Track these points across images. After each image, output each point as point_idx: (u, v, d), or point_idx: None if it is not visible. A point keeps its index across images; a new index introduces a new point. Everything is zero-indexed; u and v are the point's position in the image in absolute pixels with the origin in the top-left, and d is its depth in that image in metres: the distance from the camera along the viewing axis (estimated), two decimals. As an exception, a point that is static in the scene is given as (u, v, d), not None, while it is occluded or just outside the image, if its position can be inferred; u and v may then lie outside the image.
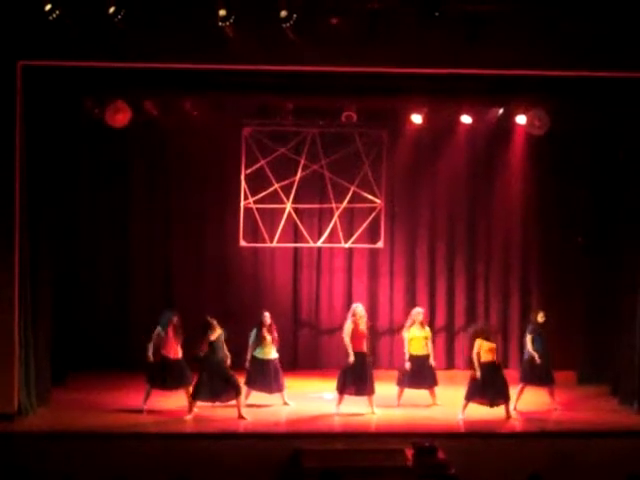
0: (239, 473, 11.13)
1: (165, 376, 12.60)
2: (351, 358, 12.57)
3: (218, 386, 12.31)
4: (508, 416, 12.44)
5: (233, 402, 12.37)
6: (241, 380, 12.66)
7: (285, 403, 13.06)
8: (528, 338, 13.09)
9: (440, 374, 13.67)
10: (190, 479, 10.53)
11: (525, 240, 15.80)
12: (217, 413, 12.37)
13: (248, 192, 14.95)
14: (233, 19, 11.24)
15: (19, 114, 12.03)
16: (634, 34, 11.95)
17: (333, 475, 9.99)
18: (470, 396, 12.41)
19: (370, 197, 15.10)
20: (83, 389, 13.83)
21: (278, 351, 13.20)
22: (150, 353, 12.60)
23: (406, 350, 13.18)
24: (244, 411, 12.35)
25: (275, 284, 15.80)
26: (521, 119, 14.49)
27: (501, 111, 14.55)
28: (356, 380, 12.54)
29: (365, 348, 12.79)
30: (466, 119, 14.77)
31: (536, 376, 12.99)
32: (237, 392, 12.38)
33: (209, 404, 12.44)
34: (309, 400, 13.22)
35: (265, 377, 12.92)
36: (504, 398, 12.43)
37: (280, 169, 15.09)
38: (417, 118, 14.71)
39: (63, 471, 10.77)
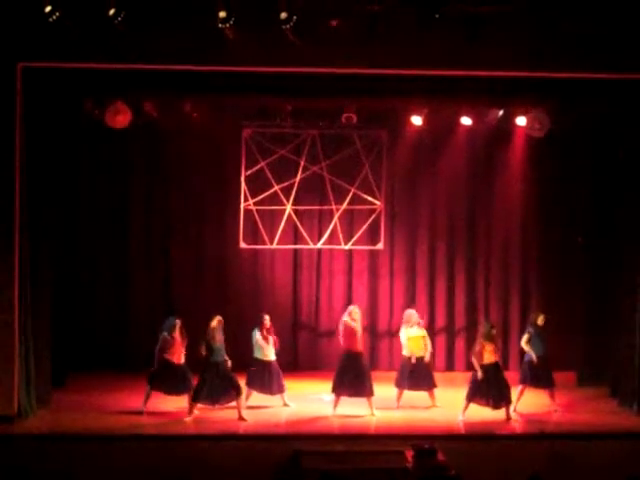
0: (239, 474, 11.11)
1: (166, 380, 12.59)
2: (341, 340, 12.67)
3: (218, 389, 12.31)
4: (508, 418, 12.45)
5: (233, 404, 12.38)
6: (242, 381, 12.66)
7: (285, 404, 13.06)
8: (525, 338, 13.10)
9: (440, 376, 13.69)
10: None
11: (525, 241, 15.81)
12: (217, 415, 12.38)
13: (248, 194, 14.95)
14: (233, 21, 11.24)
15: (19, 115, 12.04)
16: (634, 35, 11.96)
17: (333, 477, 10.00)
18: (471, 396, 12.42)
19: (370, 199, 15.10)
20: (83, 390, 13.84)
21: (278, 352, 13.19)
22: (157, 359, 12.61)
23: (427, 344, 13.17)
24: (244, 412, 12.35)
25: (275, 285, 15.80)
26: (521, 120, 14.49)
27: (501, 112, 14.55)
28: (352, 380, 12.54)
29: (360, 348, 12.78)
30: (466, 120, 14.78)
31: (536, 378, 12.99)
32: (238, 393, 12.38)
33: (209, 406, 12.44)
34: (309, 401, 13.22)
35: (266, 378, 12.92)
36: (506, 400, 12.43)
37: (280, 171, 15.10)
38: (417, 119, 14.71)
39: (63, 472, 10.84)
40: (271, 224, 15.20)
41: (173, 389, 12.64)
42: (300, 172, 15.09)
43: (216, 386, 12.30)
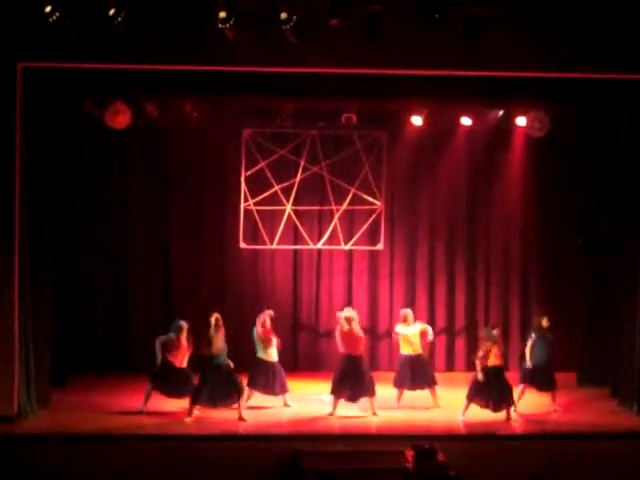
0: (239, 474, 11.13)
1: (167, 382, 12.58)
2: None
3: (219, 391, 12.26)
4: (508, 418, 12.44)
5: (235, 405, 12.35)
6: (242, 380, 12.66)
7: (286, 404, 13.05)
8: (529, 345, 13.09)
9: (440, 376, 13.69)
10: (190, 480, 10.64)
11: (525, 241, 15.81)
12: (217, 415, 12.35)
13: (248, 194, 14.96)
14: (233, 21, 11.24)
15: (19, 115, 12.03)
16: (634, 36, 11.96)
17: (333, 477, 10.01)
18: (471, 396, 12.41)
19: (370, 199, 15.10)
20: (83, 391, 13.82)
21: (279, 352, 13.21)
22: (159, 357, 12.59)
23: (429, 333, 13.18)
24: (244, 413, 12.34)
25: (275, 286, 15.79)
26: (521, 121, 14.51)
27: (501, 113, 14.56)
28: (352, 383, 12.51)
29: (360, 351, 12.75)
30: (466, 121, 14.79)
31: (538, 381, 12.99)
32: (239, 396, 12.34)
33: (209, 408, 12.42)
34: (309, 402, 13.21)
35: (270, 379, 12.91)
36: (507, 403, 12.42)
37: (280, 171, 15.11)
38: (417, 120, 14.72)
39: (63, 472, 10.85)
40: (271, 224, 15.20)
41: (173, 392, 12.63)
42: (300, 172, 15.10)
43: (217, 388, 12.27)
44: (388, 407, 12.87)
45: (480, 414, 12.40)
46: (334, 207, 15.21)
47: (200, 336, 12.57)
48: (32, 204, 12.41)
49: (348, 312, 13.03)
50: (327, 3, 11.35)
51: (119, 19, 11.23)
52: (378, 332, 15.82)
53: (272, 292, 15.73)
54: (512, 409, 12.53)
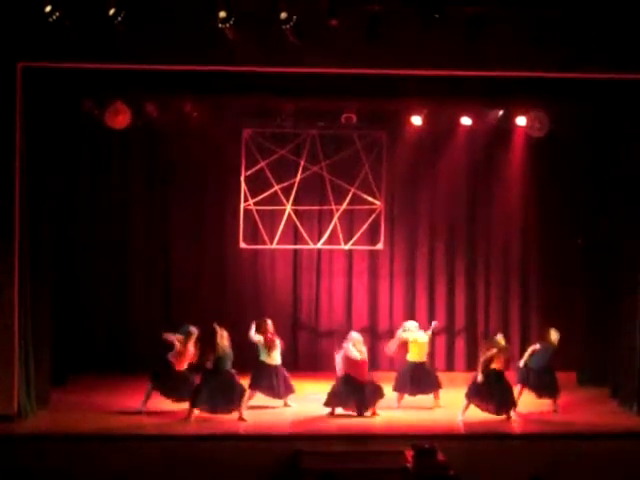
0: (239, 474, 11.13)
1: (166, 383, 12.58)
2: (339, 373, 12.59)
3: (219, 397, 12.23)
4: (508, 417, 12.43)
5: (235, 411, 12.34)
6: (242, 380, 12.65)
7: (286, 404, 13.06)
8: (532, 348, 13.08)
9: (440, 376, 13.65)
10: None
11: (525, 241, 15.79)
12: (217, 415, 12.33)
13: (248, 194, 14.96)
14: (233, 21, 11.25)
15: (19, 115, 12.03)
16: (634, 35, 11.96)
17: (333, 477, 10.01)
18: (471, 396, 12.40)
19: (370, 199, 15.10)
20: (83, 391, 13.83)
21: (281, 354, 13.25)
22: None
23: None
24: (244, 413, 12.34)
25: (275, 286, 15.79)
26: (521, 120, 14.51)
27: (501, 113, 14.56)
28: (352, 396, 12.49)
29: (366, 377, 12.66)
30: (466, 121, 14.79)
31: (536, 386, 12.98)
32: (239, 402, 12.30)
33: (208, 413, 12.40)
34: (309, 402, 13.20)
35: (272, 381, 12.89)
36: (508, 406, 12.41)
37: (280, 171, 15.11)
38: (417, 120, 14.72)
39: (63, 472, 10.86)
40: (271, 224, 15.20)
41: (172, 393, 12.60)
42: (300, 172, 15.10)
43: (218, 393, 12.21)
44: (388, 407, 12.86)
45: (480, 414, 12.41)
46: (334, 207, 15.20)
47: (207, 345, 12.50)
48: (32, 204, 12.41)
49: (357, 337, 12.87)
50: (327, 3, 11.36)
51: (119, 19, 11.23)
52: (378, 332, 15.80)
53: (272, 292, 15.73)
54: (513, 410, 12.52)
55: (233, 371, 12.40)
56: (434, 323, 13.77)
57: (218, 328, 12.54)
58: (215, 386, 12.24)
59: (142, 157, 15.47)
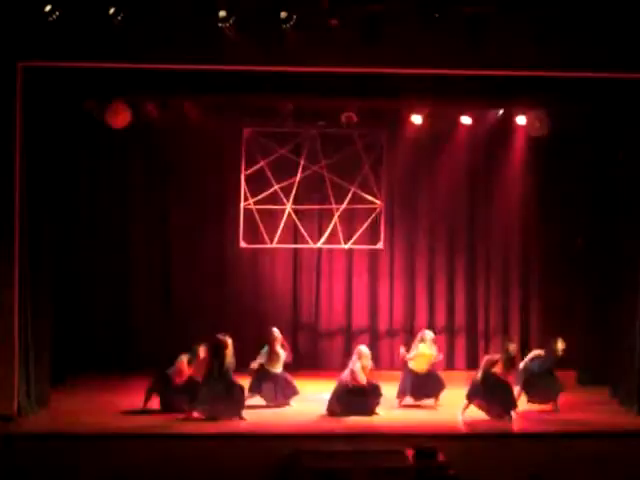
0: (239, 474, 11.13)
1: (164, 396, 12.56)
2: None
3: (220, 404, 12.21)
4: (509, 418, 12.42)
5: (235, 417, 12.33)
6: (242, 380, 12.66)
7: (287, 404, 13.05)
8: (535, 353, 13.08)
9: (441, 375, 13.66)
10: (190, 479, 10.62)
11: (525, 241, 15.80)
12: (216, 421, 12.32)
13: (248, 193, 14.95)
14: (233, 20, 11.25)
15: (19, 115, 12.02)
16: (634, 34, 11.95)
17: (333, 476, 10.01)
18: (471, 396, 12.40)
19: (370, 198, 15.10)
20: (83, 390, 13.84)
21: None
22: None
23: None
24: (244, 412, 12.33)
25: (275, 285, 15.79)
26: (521, 120, 14.51)
27: (501, 112, 14.56)
28: (354, 400, 12.48)
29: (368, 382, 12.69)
30: (466, 120, 14.78)
31: (534, 394, 12.97)
32: (240, 409, 12.28)
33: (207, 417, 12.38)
34: (309, 401, 13.21)
35: (271, 388, 12.90)
36: (510, 406, 12.40)
37: (280, 170, 15.10)
38: (417, 119, 14.73)
39: (63, 472, 10.85)
40: (271, 223, 15.18)
41: (167, 408, 12.54)
42: (300, 171, 15.09)
43: (220, 400, 12.20)
44: (388, 407, 12.86)
45: (480, 413, 12.41)
46: (334, 206, 15.20)
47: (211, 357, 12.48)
48: (32, 204, 12.40)
49: (365, 351, 12.82)
50: (327, 2, 11.36)
51: (119, 18, 11.23)
52: (378, 331, 15.82)
53: (272, 291, 15.74)
54: (513, 410, 12.52)
55: (235, 379, 12.38)
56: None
57: (224, 339, 12.47)
58: (217, 392, 12.22)
59: (142, 156, 15.47)
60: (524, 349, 14.72)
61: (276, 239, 15.11)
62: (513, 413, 12.48)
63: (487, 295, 15.87)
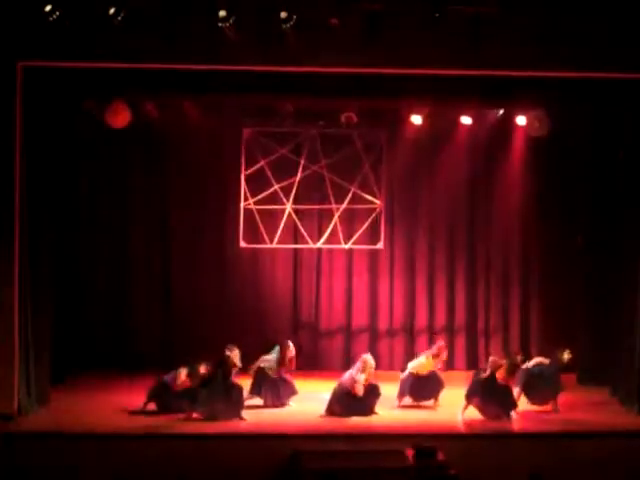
0: (238, 474, 11.14)
1: (163, 401, 12.57)
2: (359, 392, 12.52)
3: (218, 405, 12.20)
4: (508, 417, 12.42)
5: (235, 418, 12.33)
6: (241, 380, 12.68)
7: (287, 404, 13.05)
8: (538, 361, 13.07)
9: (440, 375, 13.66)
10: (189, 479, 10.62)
11: (525, 241, 15.80)
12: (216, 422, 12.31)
13: (248, 193, 14.95)
14: (233, 20, 11.25)
15: (19, 115, 12.03)
16: (634, 34, 11.95)
17: (333, 476, 10.01)
18: (470, 396, 12.40)
19: (370, 198, 15.10)
20: (83, 389, 13.84)
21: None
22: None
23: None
24: (244, 412, 12.34)
25: (275, 285, 15.79)
26: (521, 120, 14.50)
27: (501, 112, 14.56)
28: (353, 402, 12.50)
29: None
30: (466, 120, 14.78)
31: (534, 395, 12.97)
32: (240, 411, 12.28)
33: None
34: (309, 401, 13.20)
35: (271, 391, 12.91)
36: (509, 407, 12.40)
37: (280, 170, 15.09)
38: (417, 119, 14.72)
39: (63, 471, 10.86)
40: (271, 223, 15.17)
41: (166, 410, 12.54)
42: (300, 171, 15.08)
43: (219, 402, 12.19)
44: (388, 407, 12.86)
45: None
46: (334, 206, 15.19)
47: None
48: (32, 203, 12.40)
49: (370, 361, 12.77)
50: (327, 2, 11.36)
51: (119, 18, 11.24)
52: (378, 331, 15.83)
53: (272, 291, 15.75)
54: (513, 410, 12.52)
55: (236, 381, 12.38)
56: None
57: (231, 360, 12.44)
58: (216, 393, 12.21)
59: (142, 156, 15.48)
60: (524, 349, 14.74)
61: (276, 239, 15.10)
62: (513, 413, 12.48)
63: (487, 294, 15.88)
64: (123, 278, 15.54)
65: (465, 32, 11.55)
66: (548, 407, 12.98)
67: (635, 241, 13.20)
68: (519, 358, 12.96)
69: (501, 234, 15.82)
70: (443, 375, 13.39)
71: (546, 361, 13.14)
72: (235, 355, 12.55)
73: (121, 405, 12.83)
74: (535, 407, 13.00)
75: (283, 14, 11.23)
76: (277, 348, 13.14)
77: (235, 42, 11.57)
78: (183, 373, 12.53)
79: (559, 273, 15.49)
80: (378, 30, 11.53)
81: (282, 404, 12.98)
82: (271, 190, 15.02)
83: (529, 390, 12.96)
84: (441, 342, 13.61)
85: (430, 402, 13.11)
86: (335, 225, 15.19)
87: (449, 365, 15.52)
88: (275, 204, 15.10)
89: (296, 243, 15.56)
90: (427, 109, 14.48)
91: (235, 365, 12.44)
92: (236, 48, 11.70)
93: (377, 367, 14.31)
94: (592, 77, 12.27)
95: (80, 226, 15.22)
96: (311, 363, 15.52)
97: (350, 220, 15.40)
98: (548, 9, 11.57)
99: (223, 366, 12.35)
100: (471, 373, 13.09)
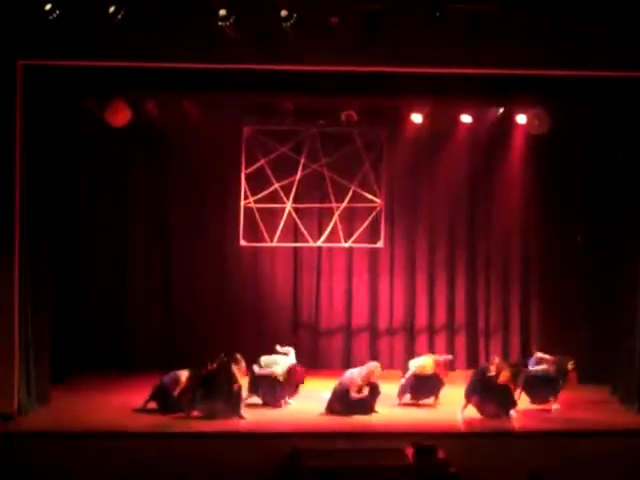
0: (238, 472, 11.13)
1: (164, 403, 12.56)
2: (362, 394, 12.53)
3: (217, 404, 12.19)
4: (508, 416, 12.42)
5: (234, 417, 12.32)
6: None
7: (286, 402, 13.06)
8: (544, 367, 13.06)
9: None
10: (189, 479, 10.61)
11: (525, 240, 15.80)
12: (215, 420, 12.30)
13: (248, 191, 14.94)
14: (233, 18, 11.24)
15: (19, 113, 12.02)
16: (634, 34, 11.95)
17: (332, 474, 10.02)
18: (469, 396, 12.40)
19: (370, 196, 15.09)
20: (82, 389, 13.83)
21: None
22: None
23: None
24: (244, 411, 12.34)
25: (275, 283, 15.79)
26: (521, 119, 14.49)
27: (501, 110, 14.56)
28: (352, 402, 12.52)
29: None
30: (466, 119, 14.78)
31: (534, 395, 12.98)
32: (239, 408, 12.28)
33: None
34: (309, 400, 13.20)
35: (269, 390, 12.91)
36: (507, 406, 12.40)
37: (280, 168, 15.08)
38: (417, 117, 14.72)
39: (62, 470, 10.86)
40: (271, 222, 15.16)
41: (167, 411, 12.55)
42: (300, 170, 15.07)
43: (217, 400, 12.18)
44: (388, 405, 12.86)
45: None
46: (334, 205, 15.18)
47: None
48: (32, 203, 12.40)
49: (377, 368, 12.76)
50: (327, 1, 11.37)
51: (119, 16, 11.23)
52: (378, 330, 15.83)
53: (272, 290, 15.75)
54: (512, 409, 12.52)
55: (235, 380, 12.39)
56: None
57: (236, 365, 12.44)
58: (216, 392, 12.22)
59: (142, 155, 15.48)
60: (524, 349, 14.76)
61: (276, 238, 15.09)
62: (513, 412, 12.47)
63: (487, 293, 15.88)
64: (123, 277, 15.54)
65: (465, 31, 11.55)
66: (548, 406, 12.98)
67: (635, 241, 13.20)
68: (521, 366, 12.92)
69: (501, 233, 15.82)
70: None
71: (549, 359, 13.10)
72: (240, 368, 12.49)
73: (121, 405, 12.84)
74: (535, 406, 13.00)
75: (283, 13, 11.23)
76: (283, 363, 13.04)
77: (235, 41, 11.57)
78: (184, 377, 12.52)
79: (559, 272, 15.47)
80: (378, 29, 11.52)
81: (280, 404, 12.94)
82: (271, 189, 15.01)
83: (530, 390, 12.96)
84: (449, 357, 13.56)
85: (430, 400, 13.12)
86: (335, 224, 15.18)
87: (449, 365, 15.56)
88: (275, 203, 15.09)
89: (296, 242, 15.55)
90: (427, 108, 14.49)
91: (237, 382, 12.34)
92: (236, 47, 11.69)
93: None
94: (592, 76, 12.27)
95: (80, 225, 15.22)
96: (311, 362, 15.49)
97: (350, 219, 15.39)
98: (548, 8, 11.56)
99: (224, 365, 12.33)
100: (471, 372, 13.07)
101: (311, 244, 15.43)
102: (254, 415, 12.41)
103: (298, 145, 15.15)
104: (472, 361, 15.47)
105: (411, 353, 14.93)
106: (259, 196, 14.96)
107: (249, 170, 14.93)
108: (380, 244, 15.30)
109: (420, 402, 13.10)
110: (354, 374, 12.63)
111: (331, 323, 15.84)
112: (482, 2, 11.51)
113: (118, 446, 11.31)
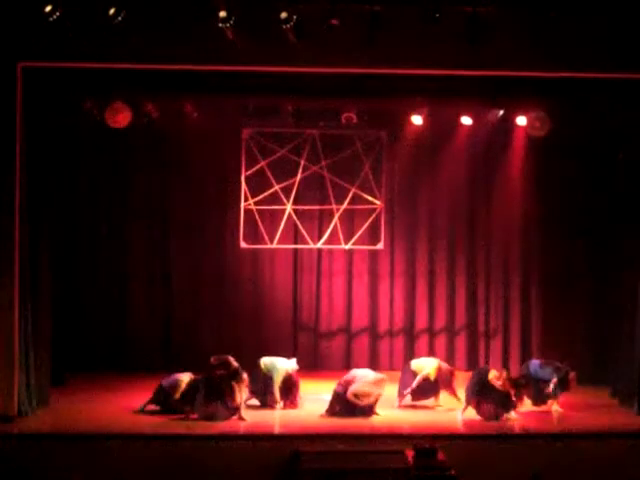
0: (238, 474, 11.12)
1: (165, 405, 12.57)
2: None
3: (217, 405, 12.20)
4: (507, 418, 12.41)
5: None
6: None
7: (288, 404, 13.05)
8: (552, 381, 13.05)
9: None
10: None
11: (525, 241, 15.79)
12: (214, 422, 12.29)
13: (248, 193, 14.95)
14: (233, 20, 11.25)
15: (19, 115, 12.02)
16: (634, 35, 11.95)
17: (333, 476, 10.00)
18: (469, 397, 12.40)
19: (370, 198, 15.10)
20: (83, 390, 13.83)
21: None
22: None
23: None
24: (244, 412, 12.33)
25: (275, 285, 15.80)
26: (521, 120, 14.48)
27: (501, 112, 14.55)
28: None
29: None
30: (466, 120, 14.77)
31: (537, 395, 12.97)
32: (237, 409, 12.27)
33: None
34: (309, 401, 13.19)
35: (268, 391, 12.89)
36: (506, 408, 12.39)
37: (280, 170, 15.10)
38: (417, 119, 14.72)
39: (63, 472, 10.85)
40: (271, 224, 15.19)
41: (169, 411, 12.56)
42: (300, 172, 15.09)
43: (217, 403, 12.18)
44: (388, 407, 12.85)
45: (480, 414, 12.43)
46: (334, 206, 15.20)
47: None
48: (32, 203, 12.40)
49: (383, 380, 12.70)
50: (327, 3, 11.36)
51: (119, 18, 11.24)
52: (378, 331, 15.83)
53: (272, 291, 15.75)
54: (513, 410, 12.51)
55: (237, 380, 12.39)
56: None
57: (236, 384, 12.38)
58: (216, 394, 12.21)
59: (142, 157, 15.49)
60: (525, 351, 14.75)
61: (276, 239, 15.11)
62: (513, 414, 12.46)
63: (487, 295, 15.87)
64: (123, 279, 15.54)
65: (465, 32, 11.54)
66: (548, 407, 12.97)
67: (635, 241, 13.20)
68: (526, 380, 12.91)
69: (501, 234, 15.82)
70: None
71: (554, 378, 13.02)
72: (244, 387, 12.42)
73: (121, 406, 12.83)
74: (536, 408, 12.99)
75: (283, 15, 11.23)
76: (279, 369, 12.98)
77: (235, 43, 11.57)
78: (184, 382, 12.52)
79: (559, 273, 15.48)
80: (378, 30, 11.52)
81: (272, 406, 12.88)
82: (271, 190, 15.03)
83: (529, 392, 12.94)
84: (454, 371, 13.51)
85: (430, 401, 13.10)
86: (335, 225, 15.20)
87: (449, 365, 15.54)
88: (275, 204, 15.10)
89: (296, 244, 15.57)
90: (427, 109, 14.47)
91: (235, 401, 12.26)
92: (236, 49, 11.69)
93: (377, 368, 14.38)
94: (592, 77, 12.26)
95: (80, 226, 15.23)
96: (311, 363, 15.52)
97: (350, 220, 15.41)
98: (547, 9, 11.55)
99: (225, 368, 12.33)
100: (470, 374, 13.06)
101: (311, 246, 15.44)
102: (254, 416, 12.40)
103: (298, 147, 15.17)
104: (472, 363, 15.47)
105: (411, 355, 14.93)
106: (259, 198, 14.97)
107: (249, 172, 14.95)
108: (380, 246, 15.31)
109: (420, 403, 13.09)
110: (358, 376, 12.56)
111: (331, 325, 15.84)
112: (482, 4, 11.51)
113: (118, 448, 11.29)
